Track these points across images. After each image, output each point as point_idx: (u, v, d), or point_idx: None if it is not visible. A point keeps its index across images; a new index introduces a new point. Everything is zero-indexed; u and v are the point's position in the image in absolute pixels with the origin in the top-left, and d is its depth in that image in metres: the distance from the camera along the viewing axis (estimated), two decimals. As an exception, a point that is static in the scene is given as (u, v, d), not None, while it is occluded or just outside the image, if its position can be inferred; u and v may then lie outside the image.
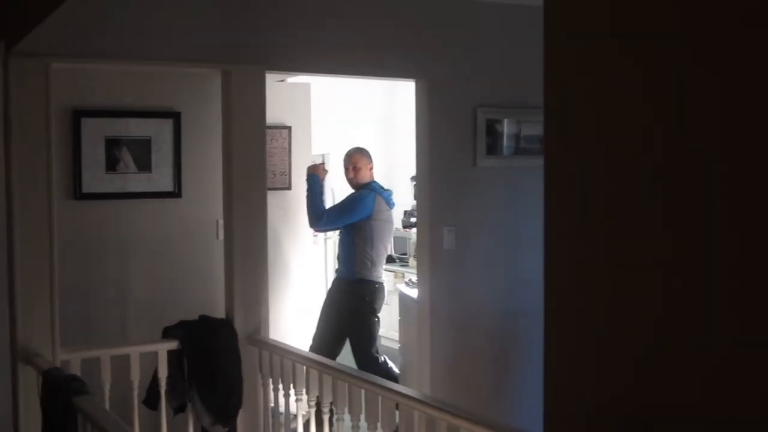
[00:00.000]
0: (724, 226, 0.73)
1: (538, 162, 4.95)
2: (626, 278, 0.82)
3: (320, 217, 5.55)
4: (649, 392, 0.80)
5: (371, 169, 5.70)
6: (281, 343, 4.27)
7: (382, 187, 5.73)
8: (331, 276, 7.65)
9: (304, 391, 3.95)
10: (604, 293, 0.85)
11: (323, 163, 5.73)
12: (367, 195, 5.59)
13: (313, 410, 4.00)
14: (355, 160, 5.63)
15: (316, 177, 5.57)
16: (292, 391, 4.03)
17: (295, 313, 6.01)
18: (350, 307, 5.57)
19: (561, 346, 0.89)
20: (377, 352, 5.59)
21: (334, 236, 7.81)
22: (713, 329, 0.75)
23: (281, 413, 4.28)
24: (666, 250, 0.79)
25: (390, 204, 5.73)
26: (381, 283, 5.67)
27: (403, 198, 8.33)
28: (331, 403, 3.74)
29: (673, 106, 0.78)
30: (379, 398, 3.41)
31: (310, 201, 5.56)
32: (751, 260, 0.72)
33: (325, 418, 3.82)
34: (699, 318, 0.76)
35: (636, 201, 0.81)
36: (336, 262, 5.79)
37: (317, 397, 3.84)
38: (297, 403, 4.01)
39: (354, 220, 5.56)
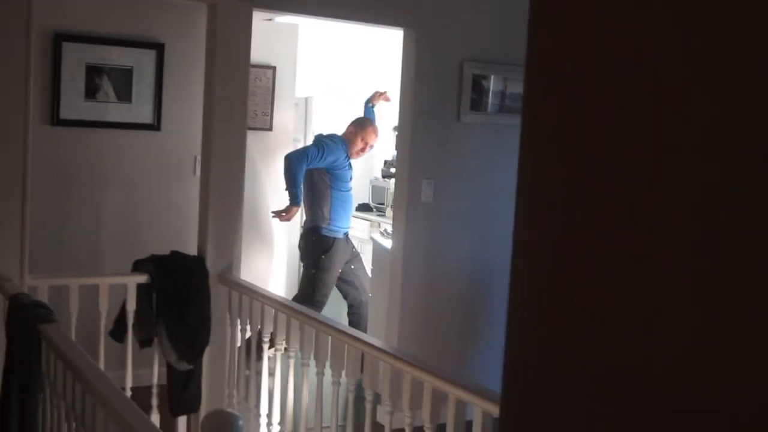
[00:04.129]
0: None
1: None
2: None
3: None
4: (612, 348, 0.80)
5: None
6: (252, 284, 4.26)
7: None
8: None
9: (270, 333, 3.96)
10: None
11: None
12: None
13: (279, 353, 4.01)
14: (375, 139, 5.82)
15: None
16: (259, 333, 4.04)
17: (270, 256, 6.00)
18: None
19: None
20: None
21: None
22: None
23: (247, 354, 4.29)
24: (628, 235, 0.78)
25: None
26: None
27: (384, 148, 8.30)
28: (298, 348, 3.75)
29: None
30: (345, 346, 3.42)
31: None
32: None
33: (291, 362, 3.84)
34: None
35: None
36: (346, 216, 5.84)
37: (284, 340, 3.85)
38: (263, 345, 4.02)
39: None
